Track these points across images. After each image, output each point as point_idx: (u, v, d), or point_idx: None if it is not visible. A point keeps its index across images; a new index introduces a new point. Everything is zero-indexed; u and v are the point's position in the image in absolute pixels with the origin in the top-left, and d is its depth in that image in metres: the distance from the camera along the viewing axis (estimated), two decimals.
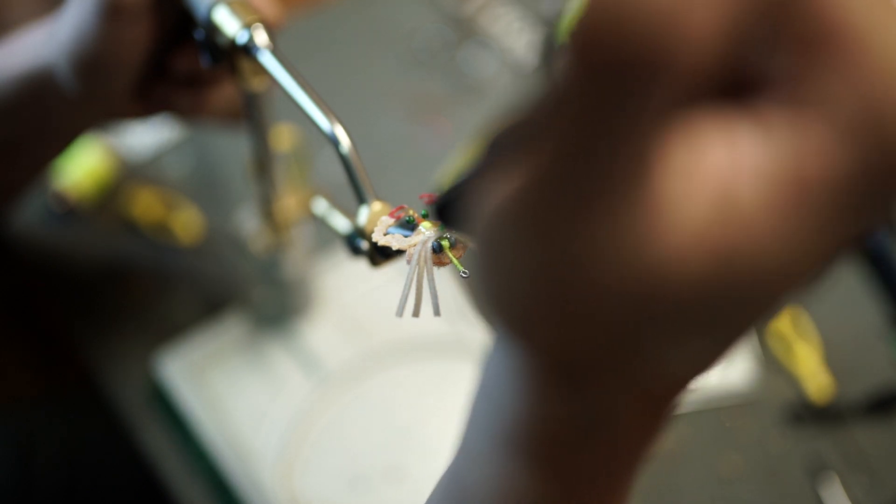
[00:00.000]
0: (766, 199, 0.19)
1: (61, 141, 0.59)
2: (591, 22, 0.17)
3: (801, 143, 0.19)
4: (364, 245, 0.41)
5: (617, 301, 0.21)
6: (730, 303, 0.21)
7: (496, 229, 0.22)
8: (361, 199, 0.41)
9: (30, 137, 0.58)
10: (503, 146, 0.24)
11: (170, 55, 0.53)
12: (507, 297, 0.23)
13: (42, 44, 0.53)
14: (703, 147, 0.20)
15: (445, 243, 0.35)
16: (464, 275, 0.35)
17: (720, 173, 0.19)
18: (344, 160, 0.41)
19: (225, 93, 0.56)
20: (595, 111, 0.18)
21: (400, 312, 0.34)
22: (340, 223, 0.45)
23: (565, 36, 0.18)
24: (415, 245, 0.36)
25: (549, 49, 0.23)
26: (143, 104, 0.54)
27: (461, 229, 0.29)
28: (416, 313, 0.34)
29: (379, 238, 0.37)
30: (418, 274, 0.35)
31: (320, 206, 0.47)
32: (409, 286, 0.35)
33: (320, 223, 0.48)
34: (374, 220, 0.40)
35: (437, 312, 0.34)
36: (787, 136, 0.19)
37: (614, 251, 0.20)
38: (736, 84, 0.20)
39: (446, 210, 0.29)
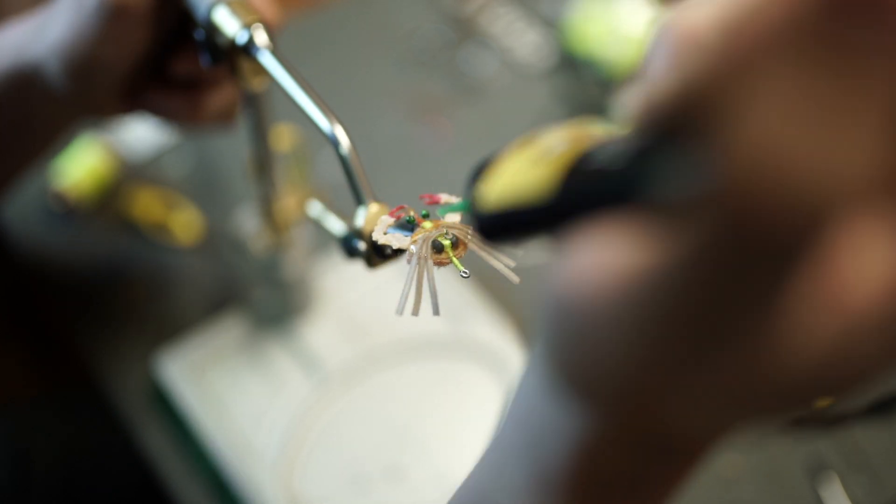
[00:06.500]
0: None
1: (44, 139, 0.58)
2: (745, 184, 0.18)
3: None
4: (361, 246, 0.41)
5: (733, 390, 0.22)
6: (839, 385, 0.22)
7: (607, 302, 0.22)
8: (359, 201, 0.41)
9: (11, 135, 0.57)
10: (590, 186, 0.23)
11: (167, 58, 0.53)
12: (597, 369, 0.23)
13: (28, 40, 0.52)
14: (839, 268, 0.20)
15: (446, 243, 0.35)
16: (464, 275, 0.35)
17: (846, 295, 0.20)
18: (343, 161, 0.41)
19: (216, 97, 0.54)
20: (733, 261, 0.19)
21: (400, 311, 0.34)
22: (335, 226, 0.44)
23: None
24: (415, 244, 0.36)
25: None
26: (128, 103, 0.54)
27: (506, 247, 0.29)
28: (415, 312, 0.34)
29: (379, 237, 0.37)
30: (418, 273, 0.35)
31: (315, 208, 0.47)
32: (409, 285, 0.35)
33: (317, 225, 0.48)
34: (371, 221, 0.40)
35: (436, 312, 0.34)
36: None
37: (746, 355, 0.21)
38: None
39: (493, 229, 0.28)
